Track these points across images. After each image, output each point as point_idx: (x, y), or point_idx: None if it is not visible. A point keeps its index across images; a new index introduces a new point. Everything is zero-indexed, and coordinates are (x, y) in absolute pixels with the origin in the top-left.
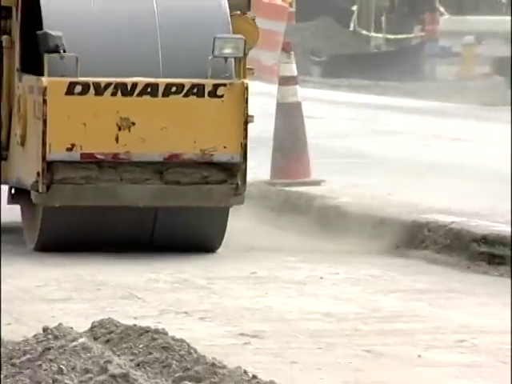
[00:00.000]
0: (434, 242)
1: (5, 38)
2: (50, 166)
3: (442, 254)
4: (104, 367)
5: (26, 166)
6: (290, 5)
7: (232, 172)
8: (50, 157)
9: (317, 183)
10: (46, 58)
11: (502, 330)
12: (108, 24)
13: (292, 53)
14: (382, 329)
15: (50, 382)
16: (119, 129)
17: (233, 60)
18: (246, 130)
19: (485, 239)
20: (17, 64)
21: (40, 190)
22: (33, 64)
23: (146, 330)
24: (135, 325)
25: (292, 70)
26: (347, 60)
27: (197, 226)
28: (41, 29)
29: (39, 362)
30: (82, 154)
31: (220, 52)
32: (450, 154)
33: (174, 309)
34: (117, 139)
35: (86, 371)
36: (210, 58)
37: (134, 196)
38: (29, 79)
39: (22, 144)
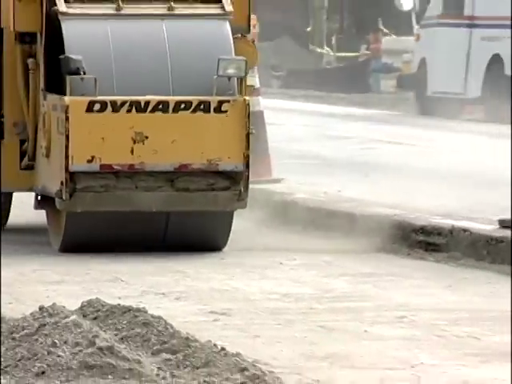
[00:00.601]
0: (379, 232)
1: (30, 61)
2: (72, 176)
3: (386, 242)
4: (92, 341)
5: (50, 176)
6: (254, 26)
7: (235, 180)
8: (72, 168)
9: (277, 181)
10: (68, 79)
11: (437, 308)
12: (122, 48)
13: (255, 68)
14: (334, 307)
15: (45, 353)
16: (134, 142)
17: (235, 79)
18: (248, 141)
19: (422, 230)
20: (41, 84)
21: (64, 198)
22: (55, 84)
23: (129, 309)
24: (119, 304)
25: (255, 82)
26: (303, 74)
27: (204, 228)
28: (62, 52)
29: (36, 337)
30: (101, 165)
31: (224, 72)
32: (390, 156)
33: (153, 290)
34: (132, 151)
35: (77, 344)
36: (215, 77)
37: (148, 202)
38: (52, 98)
39: (47, 156)
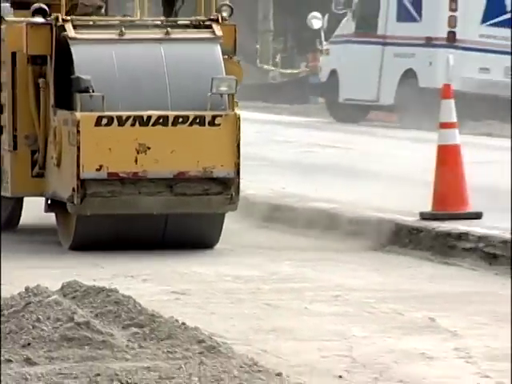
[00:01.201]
0: (317, 223)
1: (41, 80)
2: (82, 183)
3: (323, 232)
4: (71, 317)
5: (61, 183)
6: None
7: (227, 185)
8: (82, 175)
9: None
10: (79, 97)
11: (366, 288)
12: (126, 68)
13: None
14: (278, 288)
15: (31, 328)
16: (137, 152)
17: (227, 95)
18: (238, 151)
19: (354, 221)
20: (51, 101)
21: (75, 202)
22: (64, 101)
23: (102, 289)
24: (94, 285)
25: None
26: (252, 88)
27: (199, 228)
28: (70, 73)
29: (22, 313)
30: (108, 173)
31: (217, 90)
32: (327, 157)
33: (123, 273)
34: (136, 161)
35: (58, 320)
36: (209, 94)
37: (150, 205)
38: (63, 114)
39: (58, 165)
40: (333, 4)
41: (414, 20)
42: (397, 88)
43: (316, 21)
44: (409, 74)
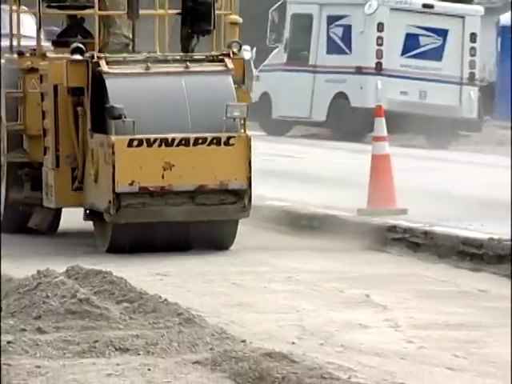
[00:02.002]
0: (273, 218)
1: (79, 108)
2: (118, 196)
3: (278, 225)
4: (74, 294)
5: (98, 196)
6: None
7: (241, 196)
8: (117, 190)
9: None
10: (113, 122)
11: (314, 271)
12: (153, 98)
13: None
14: (243, 270)
15: (41, 303)
16: (164, 169)
17: (239, 119)
18: (250, 167)
19: (304, 216)
20: (88, 126)
21: (111, 213)
22: (98, 126)
23: (100, 272)
24: (93, 268)
25: None
26: None
27: (216, 232)
28: (103, 101)
29: (34, 291)
30: (139, 187)
31: (231, 114)
32: (282, 164)
33: (116, 258)
34: (163, 176)
35: (63, 296)
36: (224, 118)
37: (175, 214)
38: (99, 137)
39: (95, 181)
40: (267, 40)
41: (343, 53)
42: (329, 107)
43: (246, 53)
44: (340, 96)
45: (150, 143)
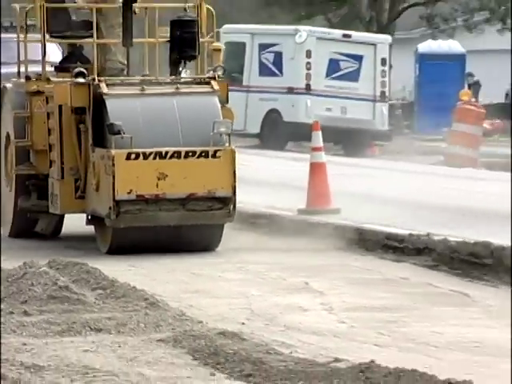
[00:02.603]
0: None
1: (82, 126)
2: (117, 203)
3: (232, 223)
4: (55, 282)
5: (100, 203)
6: None
7: (226, 203)
8: (117, 197)
9: None
10: (113, 138)
11: (261, 261)
12: (147, 116)
13: None
14: (201, 261)
15: (27, 290)
16: (158, 179)
17: (225, 134)
18: (234, 177)
19: (253, 215)
20: (90, 141)
21: (111, 218)
22: (99, 141)
23: (77, 263)
24: (71, 260)
25: None
26: None
27: (204, 235)
28: (102, 119)
29: (21, 280)
30: (136, 195)
31: (217, 130)
32: None
33: (93, 253)
34: (157, 185)
35: (46, 284)
36: (211, 134)
37: (168, 219)
38: (100, 151)
39: (97, 190)
40: None
41: (275, 75)
42: (262, 121)
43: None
44: (273, 112)
45: (145, 156)
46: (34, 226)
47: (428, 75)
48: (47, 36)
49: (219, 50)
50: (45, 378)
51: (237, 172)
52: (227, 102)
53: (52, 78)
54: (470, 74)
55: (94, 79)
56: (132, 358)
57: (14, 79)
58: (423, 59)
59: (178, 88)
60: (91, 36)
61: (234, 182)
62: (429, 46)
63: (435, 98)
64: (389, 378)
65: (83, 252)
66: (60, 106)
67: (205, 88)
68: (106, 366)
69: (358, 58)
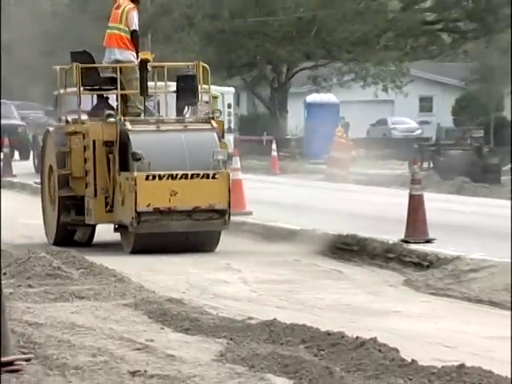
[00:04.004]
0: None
1: (111, 155)
2: (138, 214)
3: None
4: (50, 264)
5: (124, 214)
6: None
7: (223, 214)
8: (138, 209)
9: None
10: (136, 164)
11: (205, 251)
12: (162, 147)
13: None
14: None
15: (30, 269)
16: (170, 195)
17: (222, 161)
18: (229, 194)
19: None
20: (117, 167)
21: (134, 225)
22: (123, 167)
23: (66, 251)
24: (65, 250)
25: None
26: None
27: (206, 239)
28: (126, 149)
29: (26, 262)
30: (153, 208)
31: (216, 158)
32: None
33: (79, 246)
34: (169, 200)
35: (44, 265)
36: (211, 160)
37: (178, 226)
38: (125, 174)
39: (122, 204)
40: None
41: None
42: None
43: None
44: None
45: (160, 177)
46: (73, 236)
47: (313, 118)
48: (82, 89)
49: (216, 97)
50: (43, 331)
51: (231, 190)
52: (223, 137)
53: (85, 121)
54: (342, 117)
55: (120, 119)
56: (105, 317)
57: (56, 123)
58: (310, 107)
59: (185, 126)
60: (115, 89)
61: (229, 197)
62: (313, 97)
63: (318, 134)
64: (286, 330)
65: (72, 244)
66: (94, 141)
67: (206, 125)
68: (87, 323)
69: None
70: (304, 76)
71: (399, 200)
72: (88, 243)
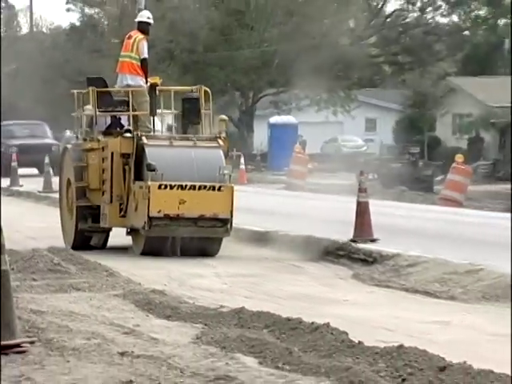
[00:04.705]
0: None
1: (127, 166)
2: (150, 219)
3: None
4: (52, 260)
5: (137, 219)
6: None
7: (225, 222)
8: (150, 215)
9: None
10: (150, 174)
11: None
12: (174, 160)
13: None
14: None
15: (34, 265)
16: (179, 203)
17: (226, 175)
18: (232, 204)
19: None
20: (132, 176)
21: (145, 229)
22: (137, 176)
23: (65, 250)
24: (64, 249)
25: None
26: None
27: (209, 244)
28: (141, 162)
29: (31, 259)
30: (164, 214)
31: (222, 172)
32: None
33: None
34: (178, 208)
35: (46, 262)
36: (217, 174)
37: (185, 232)
38: (139, 183)
39: (136, 210)
40: None
41: None
42: None
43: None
44: None
45: (171, 187)
46: (89, 241)
47: (275, 136)
48: (98, 111)
49: (224, 120)
50: (45, 318)
51: (234, 201)
52: (227, 155)
53: (100, 139)
54: (300, 136)
55: (137, 134)
56: (98, 306)
57: (73, 141)
58: (272, 127)
59: (195, 143)
60: (127, 110)
61: (232, 208)
62: (275, 119)
63: (280, 149)
64: (252, 317)
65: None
66: (112, 153)
67: (213, 143)
68: (82, 311)
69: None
70: (267, 101)
71: (348, 206)
72: (103, 247)
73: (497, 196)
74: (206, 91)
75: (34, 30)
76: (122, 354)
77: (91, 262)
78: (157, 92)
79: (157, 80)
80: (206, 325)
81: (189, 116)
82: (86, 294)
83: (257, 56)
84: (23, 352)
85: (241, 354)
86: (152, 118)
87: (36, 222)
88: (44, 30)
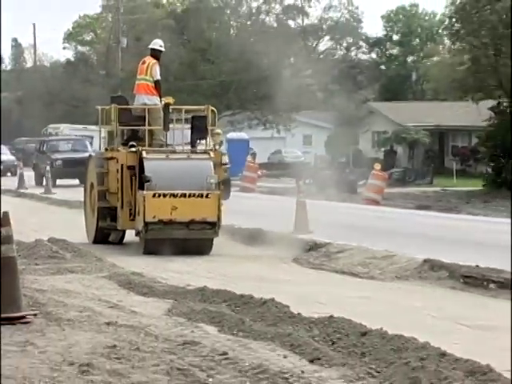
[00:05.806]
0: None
1: (133, 177)
2: (146, 224)
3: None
4: (51, 249)
5: (139, 223)
6: None
7: (213, 225)
8: (146, 220)
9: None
10: (146, 184)
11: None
12: (168, 171)
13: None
14: (126, 241)
15: (38, 252)
16: (172, 209)
17: (214, 184)
18: (219, 209)
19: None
20: (137, 186)
21: (143, 232)
22: (141, 186)
23: (62, 240)
24: (61, 240)
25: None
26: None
27: (200, 245)
28: (143, 172)
29: (34, 248)
30: (158, 219)
31: (209, 181)
32: None
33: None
34: (171, 213)
35: (47, 250)
36: (206, 183)
37: (177, 234)
38: (141, 192)
39: (139, 214)
40: None
41: None
42: None
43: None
44: None
45: (164, 195)
46: (108, 237)
47: (232, 149)
48: (118, 125)
49: (219, 134)
50: (45, 295)
51: (221, 206)
52: (221, 165)
53: (120, 149)
54: (251, 149)
55: (139, 149)
56: (88, 285)
57: (97, 150)
58: (230, 141)
59: (188, 155)
60: (144, 125)
61: (220, 212)
62: (232, 135)
63: (236, 160)
64: (213, 294)
65: (68, 235)
66: (122, 165)
67: (204, 156)
68: (76, 290)
69: (89, 138)
70: (225, 120)
71: (290, 204)
72: (119, 243)
73: (407, 196)
74: (212, 110)
75: (38, 63)
76: (108, 323)
77: (83, 250)
78: (170, 110)
79: (170, 100)
80: (175, 300)
81: (197, 132)
82: (79, 275)
83: (217, 84)
84: (28, 323)
85: (204, 324)
86: (165, 132)
87: (38, 217)
88: (45, 63)
